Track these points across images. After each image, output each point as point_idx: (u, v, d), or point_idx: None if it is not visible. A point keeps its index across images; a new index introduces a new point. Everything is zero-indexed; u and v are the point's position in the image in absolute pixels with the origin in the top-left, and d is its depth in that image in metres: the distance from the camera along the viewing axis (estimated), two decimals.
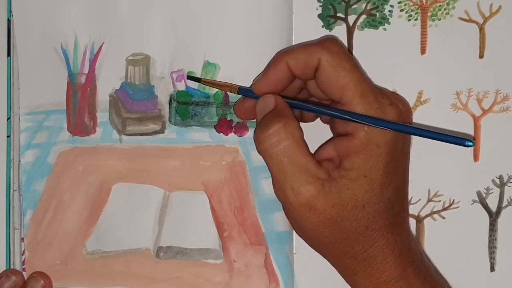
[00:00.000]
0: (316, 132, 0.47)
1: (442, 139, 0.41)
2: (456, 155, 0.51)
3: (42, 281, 0.51)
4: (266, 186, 0.51)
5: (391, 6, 0.50)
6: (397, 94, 0.47)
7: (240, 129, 0.51)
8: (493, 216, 0.51)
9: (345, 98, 0.43)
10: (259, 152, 0.44)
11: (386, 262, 0.44)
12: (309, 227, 0.44)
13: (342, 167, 0.43)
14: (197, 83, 0.51)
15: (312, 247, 0.46)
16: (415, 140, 0.49)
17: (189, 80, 0.51)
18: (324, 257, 0.46)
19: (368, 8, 0.50)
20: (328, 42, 0.44)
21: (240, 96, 0.49)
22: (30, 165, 0.51)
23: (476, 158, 0.51)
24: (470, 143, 0.40)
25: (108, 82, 0.51)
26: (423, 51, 0.50)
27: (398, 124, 0.43)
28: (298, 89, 0.48)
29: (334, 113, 0.43)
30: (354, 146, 0.43)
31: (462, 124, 0.51)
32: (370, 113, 0.43)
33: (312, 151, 0.45)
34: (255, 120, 0.50)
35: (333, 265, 0.46)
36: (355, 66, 0.43)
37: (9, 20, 0.51)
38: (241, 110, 0.49)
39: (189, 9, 0.50)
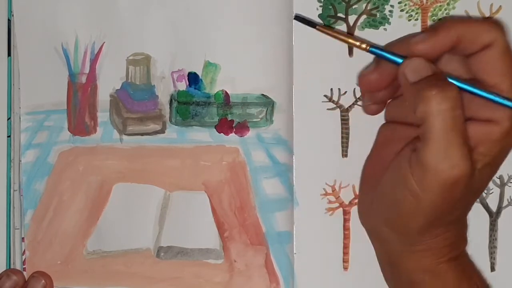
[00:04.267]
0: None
1: None
2: None
3: (43, 281, 0.51)
4: (267, 186, 0.51)
5: (392, 6, 0.50)
6: None
7: (240, 129, 0.51)
8: (493, 216, 0.51)
9: (502, 85, 0.42)
10: (421, 110, 0.40)
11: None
12: (437, 200, 0.42)
13: (477, 151, 0.42)
14: (197, 83, 0.51)
15: (395, 222, 0.44)
16: None
17: (190, 80, 0.51)
18: (399, 226, 0.44)
19: (368, 8, 0.50)
20: (501, 25, 0.44)
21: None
22: (31, 165, 0.51)
23: None
24: None
25: (108, 82, 0.51)
26: None
27: None
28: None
29: (496, 98, 0.42)
30: (495, 134, 0.42)
31: None
32: None
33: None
34: (256, 120, 0.50)
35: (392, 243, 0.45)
36: None
37: (9, 20, 0.51)
38: (371, 77, 0.46)
39: (189, 9, 0.50)
